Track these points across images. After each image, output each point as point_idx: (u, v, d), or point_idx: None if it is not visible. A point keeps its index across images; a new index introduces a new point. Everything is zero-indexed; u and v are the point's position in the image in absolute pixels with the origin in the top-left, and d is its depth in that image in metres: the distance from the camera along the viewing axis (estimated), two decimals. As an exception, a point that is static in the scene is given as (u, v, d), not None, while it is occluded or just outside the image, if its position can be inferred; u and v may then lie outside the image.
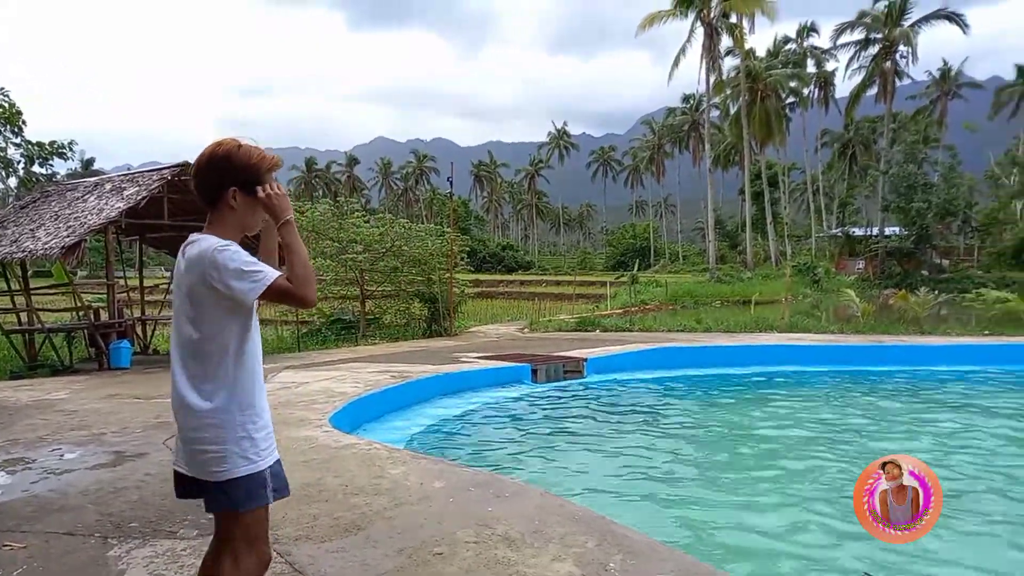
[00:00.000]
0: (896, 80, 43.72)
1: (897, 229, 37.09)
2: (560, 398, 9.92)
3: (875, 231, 40.15)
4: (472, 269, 33.34)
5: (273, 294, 2.12)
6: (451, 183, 19.72)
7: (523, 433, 8.09)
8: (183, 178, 11.69)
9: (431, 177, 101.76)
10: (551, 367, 10.96)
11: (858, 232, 44.40)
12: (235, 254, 2.11)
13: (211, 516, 2.30)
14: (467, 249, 22.19)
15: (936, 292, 18.18)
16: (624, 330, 17.07)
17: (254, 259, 2.15)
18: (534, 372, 10.72)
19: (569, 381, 10.85)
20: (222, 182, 2.21)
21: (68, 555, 3.48)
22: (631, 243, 72.40)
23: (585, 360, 11.38)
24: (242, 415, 2.16)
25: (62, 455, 5.54)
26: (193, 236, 2.23)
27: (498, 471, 5.69)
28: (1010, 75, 56.56)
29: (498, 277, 53.97)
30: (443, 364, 10.86)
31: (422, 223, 24.76)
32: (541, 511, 3.95)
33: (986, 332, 14.48)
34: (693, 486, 6.18)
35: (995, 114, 58.15)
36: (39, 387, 9.18)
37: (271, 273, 2.13)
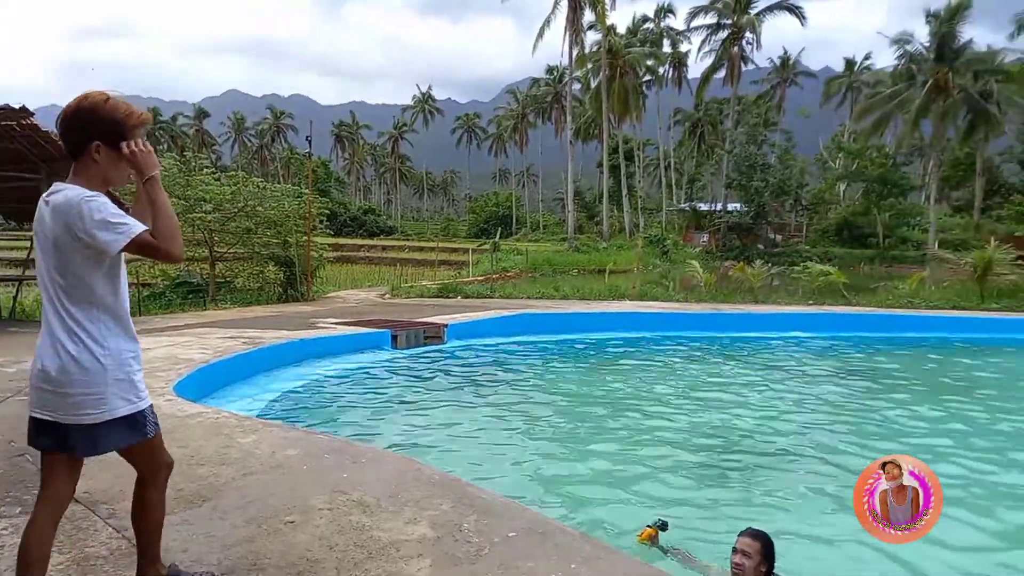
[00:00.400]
0: (742, 65, 46.50)
1: (738, 205, 39.82)
2: (420, 364, 9.94)
3: (719, 207, 42.91)
4: (332, 233, 32.32)
5: (136, 247, 2.19)
6: (310, 142, 18.99)
7: (382, 399, 8.05)
8: (4, 123, 10.46)
9: (288, 135, 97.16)
10: (411, 333, 10.92)
11: (704, 207, 47.23)
12: (102, 205, 2.16)
13: (35, 492, 2.32)
14: (326, 212, 21.44)
15: (769, 265, 19.72)
16: (485, 297, 17.30)
17: (121, 212, 2.20)
18: (394, 338, 10.65)
19: (429, 347, 10.87)
20: (87, 134, 2.24)
21: None
22: (494, 211, 73.05)
23: (446, 326, 11.44)
24: (115, 360, 2.27)
25: None
26: (58, 185, 2.24)
27: (355, 438, 5.63)
28: (839, 67, 62.00)
29: (359, 241, 52.76)
30: (299, 330, 10.54)
31: (279, 183, 23.70)
32: (398, 476, 3.96)
33: (810, 302, 15.98)
34: (548, 445, 6.42)
35: (825, 102, 63.68)
36: None
37: (136, 226, 2.18)
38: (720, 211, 41.37)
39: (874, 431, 7.09)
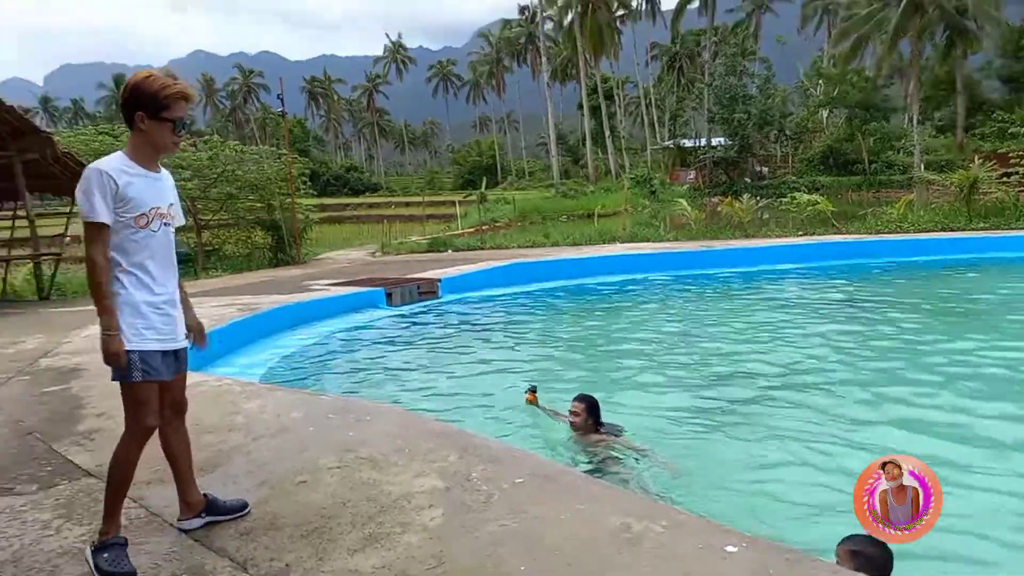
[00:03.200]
0: (716, -8, 45.57)
1: (722, 140, 39.52)
2: (416, 320, 9.98)
3: (703, 142, 42.59)
4: (316, 193, 31.98)
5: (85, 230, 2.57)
6: (282, 101, 18.62)
7: (381, 356, 8.11)
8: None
9: (260, 95, 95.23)
10: (406, 289, 10.94)
11: (688, 144, 46.85)
12: (86, 181, 2.52)
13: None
14: (308, 172, 21.23)
15: (757, 198, 19.76)
16: (476, 249, 17.29)
17: (99, 197, 2.52)
18: (388, 296, 10.67)
19: (425, 302, 10.91)
20: (132, 107, 2.58)
21: None
22: (477, 161, 72.37)
23: (439, 280, 11.46)
24: (116, 296, 2.61)
25: None
26: None
27: (358, 396, 5.69)
28: (816, -11, 60.63)
29: (344, 200, 52.37)
30: (293, 293, 10.54)
31: (256, 145, 23.31)
32: (403, 431, 4.02)
33: (800, 233, 16.04)
34: (547, 392, 6.51)
35: (803, 27, 62.61)
36: None
37: (88, 216, 2.53)
38: (705, 146, 41.05)
39: (872, 358, 7.20)
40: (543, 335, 9.05)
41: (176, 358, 2.83)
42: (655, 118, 64.83)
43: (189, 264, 15.75)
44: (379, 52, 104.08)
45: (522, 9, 74.57)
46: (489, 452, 3.62)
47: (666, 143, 53.09)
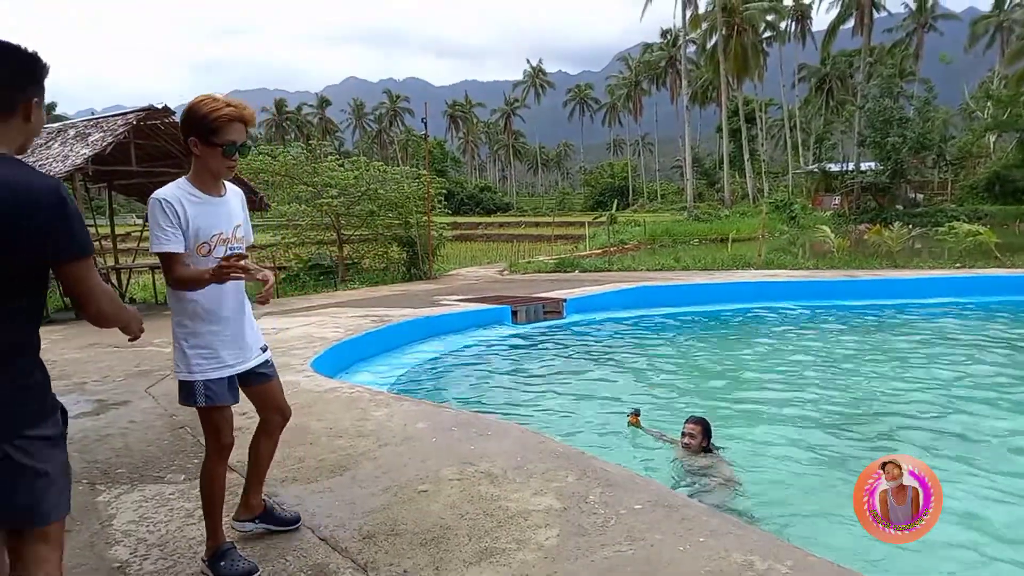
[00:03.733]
0: (873, 12, 43.24)
1: (873, 164, 37.24)
2: (540, 338, 10.03)
3: (851, 166, 40.29)
4: (450, 212, 33.16)
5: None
6: (425, 124, 19.38)
7: (504, 374, 8.20)
8: (149, 123, 11.39)
9: (405, 118, 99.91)
10: (531, 308, 11.04)
11: (834, 168, 44.50)
12: (150, 212, 2.56)
13: (196, 461, 2.57)
14: (444, 191, 21.99)
15: (910, 226, 18.42)
16: (603, 270, 17.18)
17: (164, 226, 2.53)
18: (514, 313, 10.80)
19: (549, 322, 10.95)
20: (186, 133, 2.59)
21: None
22: (609, 182, 72.15)
23: (565, 300, 11.47)
24: (179, 329, 2.70)
25: None
26: None
27: (480, 411, 5.78)
28: (986, 6, 56.09)
29: (476, 219, 53.71)
30: (423, 307, 10.89)
31: (398, 165, 24.45)
32: (522, 448, 4.05)
33: (958, 265, 14.76)
34: (670, 419, 6.33)
35: (971, 46, 57.93)
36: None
37: (155, 248, 2.55)
38: (853, 171, 38.80)
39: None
40: (664, 360, 8.83)
41: (252, 373, 2.87)
42: (799, 141, 62.12)
43: (330, 276, 16.67)
44: (519, 77, 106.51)
45: (664, 33, 73.96)
46: (608, 476, 3.57)
47: (810, 167, 50.63)
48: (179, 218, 2.53)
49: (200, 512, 2.88)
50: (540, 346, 9.63)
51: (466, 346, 9.39)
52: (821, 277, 13.69)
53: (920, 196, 39.45)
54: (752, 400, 6.91)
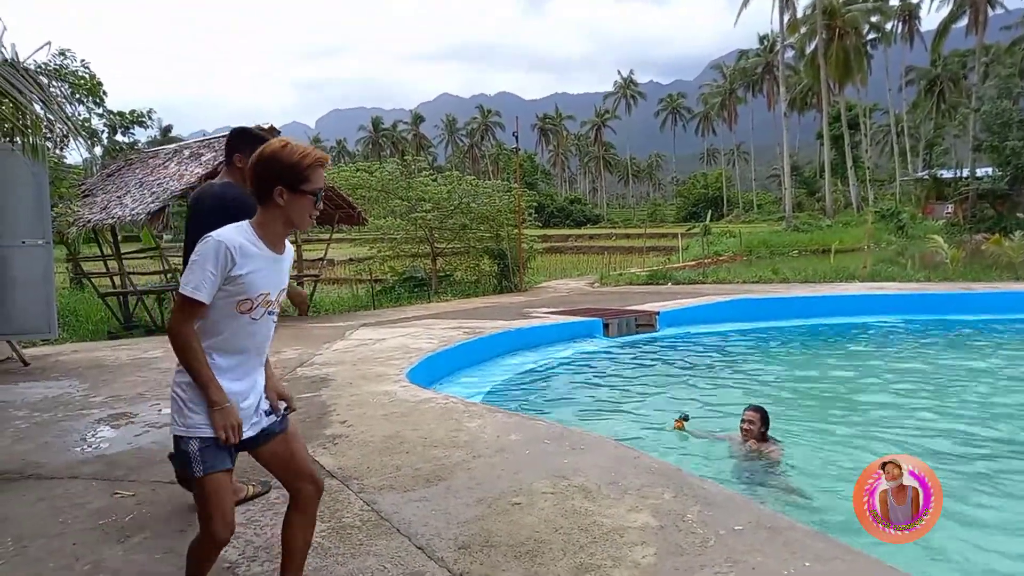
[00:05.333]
0: (989, 9, 40.65)
1: (989, 170, 34.91)
2: (633, 352, 9.89)
3: (965, 173, 37.86)
4: (540, 224, 33.28)
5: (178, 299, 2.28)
6: (516, 138, 19.61)
7: (596, 387, 8.13)
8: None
9: (496, 132, 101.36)
10: (623, 321, 10.91)
11: (946, 175, 41.95)
12: (203, 250, 2.22)
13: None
14: (534, 204, 22.15)
15: (1033, 236, 17.11)
16: (697, 282, 16.81)
17: (209, 272, 2.19)
18: (606, 326, 10.70)
19: (642, 335, 10.79)
20: (270, 181, 2.27)
21: (173, 501, 3.72)
22: (702, 193, 70.74)
23: (657, 313, 11.28)
24: (179, 375, 2.36)
25: (160, 410, 5.87)
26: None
27: (573, 424, 5.74)
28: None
29: (567, 232, 53.71)
30: (515, 319, 10.95)
31: (489, 179, 24.79)
32: (617, 463, 3.98)
33: (1089, 277, 13.62)
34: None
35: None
36: (135, 346, 9.72)
37: (186, 287, 2.22)
38: (967, 178, 36.41)
39: None
40: (767, 377, 8.51)
41: (264, 433, 2.48)
42: (907, 147, 59.08)
43: (424, 288, 17.03)
44: (609, 88, 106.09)
45: (762, 39, 72.02)
46: (706, 494, 3.46)
47: (920, 174, 47.97)
48: (229, 268, 2.21)
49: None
50: (632, 360, 9.49)
51: (557, 359, 9.36)
52: (933, 290, 12.92)
53: (1045, 203, 36.60)
54: (855, 423, 6.56)
